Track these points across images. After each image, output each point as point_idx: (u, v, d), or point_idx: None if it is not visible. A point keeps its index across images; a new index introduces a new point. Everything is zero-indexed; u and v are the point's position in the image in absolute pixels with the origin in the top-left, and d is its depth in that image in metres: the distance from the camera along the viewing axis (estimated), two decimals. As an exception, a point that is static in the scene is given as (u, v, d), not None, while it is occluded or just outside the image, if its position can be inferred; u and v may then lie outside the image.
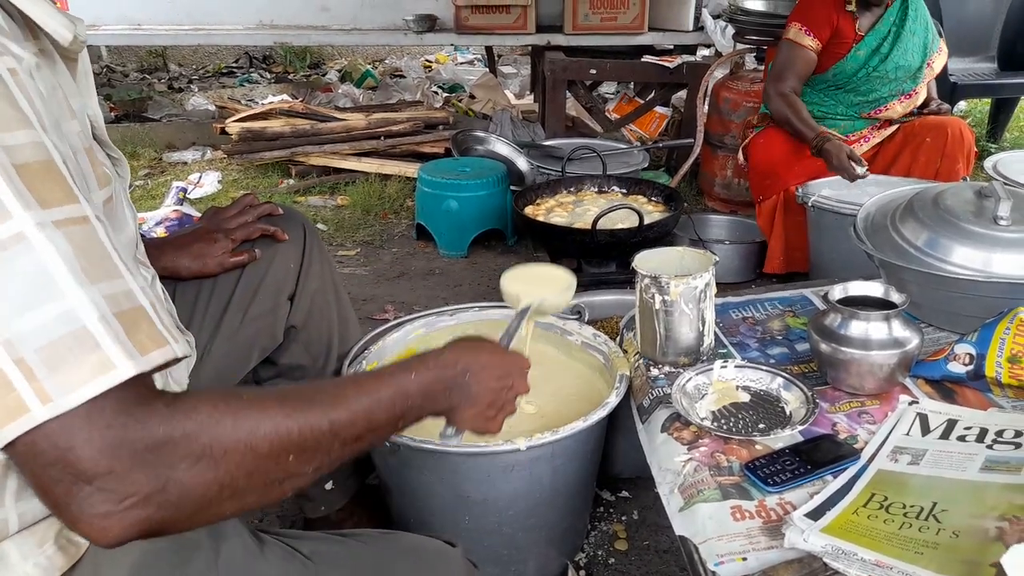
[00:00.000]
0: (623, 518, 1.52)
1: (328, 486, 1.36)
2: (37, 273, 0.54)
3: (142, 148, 3.90)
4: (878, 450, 0.99)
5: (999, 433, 0.98)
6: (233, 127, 3.52)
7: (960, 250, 1.25)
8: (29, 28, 0.65)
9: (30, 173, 0.55)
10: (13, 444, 0.54)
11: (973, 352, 1.10)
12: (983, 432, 0.98)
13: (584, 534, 1.47)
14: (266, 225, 1.18)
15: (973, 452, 0.95)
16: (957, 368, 1.11)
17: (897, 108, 2.40)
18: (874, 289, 1.17)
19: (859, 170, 2.14)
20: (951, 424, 1.01)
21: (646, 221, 2.19)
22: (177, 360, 0.60)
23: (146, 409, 0.56)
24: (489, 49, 4.90)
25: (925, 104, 2.45)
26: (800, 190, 2.19)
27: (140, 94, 4.76)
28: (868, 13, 2.36)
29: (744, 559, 0.85)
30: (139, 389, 0.57)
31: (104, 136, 0.77)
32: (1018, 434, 0.96)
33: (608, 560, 1.43)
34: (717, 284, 1.25)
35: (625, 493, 1.58)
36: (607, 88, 4.73)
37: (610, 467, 1.56)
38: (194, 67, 5.97)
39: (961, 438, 0.98)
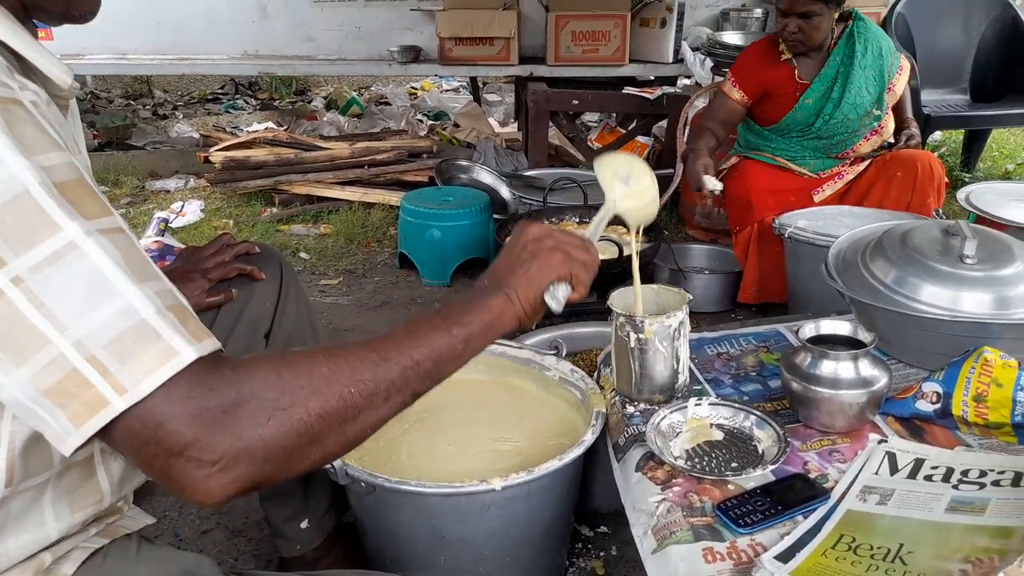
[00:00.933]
0: (601, 554, 1.52)
1: (303, 524, 1.35)
2: (93, 276, 0.58)
3: (125, 176, 3.89)
4: (848, 489, 1.00)
5: (964, 473, 0.99)
6: (216, 156, 3.53)
7: (928, 288, 1.28)
8: (26, 73, 0.68)
9: (69, 189, 0.60)
10: (110, 433, 0.59)
11: (940, 391, 1.12)
12: (949, 472, 1.00)
13: (562, 571, 1.46)
14: (243, 264, 1.18)
15: (939, 492, 0.96)
16: (925, 406, 1.13)
17: (864, 147, 2.43)
18: (844, 327, 1.19)
19: (707, 181, 2.24)
20: (918, 463, 1.03)
21: (625, 252, 2.21)
22: (220, 351, 0.64)
23: (216, 377, 0.61)
24: (473, 78, 4.96)
25: (898, 130, 2.44)
26: (776, 221, 2.22)
27: (124, 121, 4.76)
28: (807, 59, 2.36)
29: (715, 603, 0.85)
30: (208, 362, 0.61)
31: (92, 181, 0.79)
32: (982, 474, 0.98)
33: (586, 597, 1.43)
34: (697, 313, 1.27)
35: (604, 528, 1.58)
36: (590, 117, 4.80)
37: (589, 501, 1.56)
38: (179, 93, 5.99)
39: (928, 477, 1.00)
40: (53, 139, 0.62)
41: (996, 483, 0.96)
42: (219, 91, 5.99)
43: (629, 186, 1.00)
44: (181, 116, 5.17)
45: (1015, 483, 0.95)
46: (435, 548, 1.22)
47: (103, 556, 0.78)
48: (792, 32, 2.28)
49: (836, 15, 2.31)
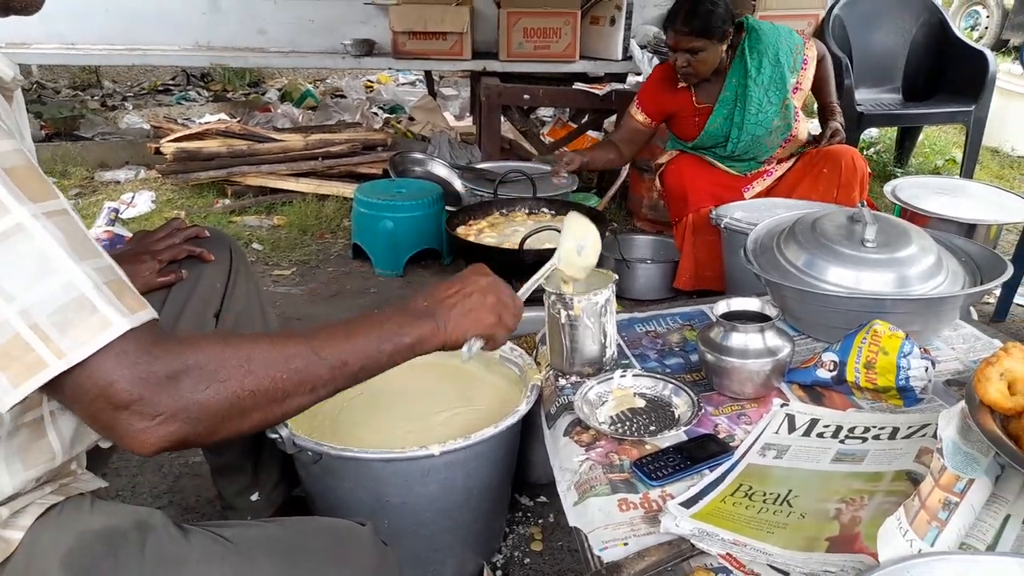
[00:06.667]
0: (540, 521, 1.62)
1: (254, 497, 1.41)
2: (39, 255, 0.66)
3: (73, 167, 3.85)
4: (750, 447, 1.11)
5: (851, 430, 1.11)
6: (168, 147, 3.52)
7: (833, 270, 1.40)
8: None
9: (18, 175, 0.67)
10: (61, 391, 0.67)
11: (836, 359, 1.24)
12: (838, 429, 1.12)
13: (501, 536, 1.56)
14: (192, 246, 1.24)
15: (827, 447, 1.08)
16: (824, 374, 1.25)
17: (784, 152, 2.54)
18: (753, 303, 1.30)
19: (560, 170, 2.55)
20: (813, 423, 1.15)
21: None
22: (155, 320, 0.72)
23: (162, 347, 0.70)
24: (428, 72, 5.01)
25: (824, 121, 2.52)
26: (714, 212, 2.34)
27: (72, 111, 4.68)
28: (706, 83, 2.46)
29: (626, 544, 0.95)
30: (153, 333, 0.70)
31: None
32: (866, 430, 1.10)
33: (524, 560, 1.52)
34: (640, 301, 1.36)
35: (543, 498, 1.68)
36: (545, 112, 4.89)
37: (529, 473, 1.65)
38: (129, 84, 5.90)
39: (820, 435, 1.12)
40: (4, 127, 0.68)
41: (876, 437, 1.08)
42: (170, 82, 5.91)
43: (580, 255, 1.17)
44: (131, 107, 5.10)
45: (892, 436, 1.07)
46: (379, 512, 1.30)
47: (58, 511, 0.83)
48: (682, 66, 2.39)
49: (724, 46, 2.38)
